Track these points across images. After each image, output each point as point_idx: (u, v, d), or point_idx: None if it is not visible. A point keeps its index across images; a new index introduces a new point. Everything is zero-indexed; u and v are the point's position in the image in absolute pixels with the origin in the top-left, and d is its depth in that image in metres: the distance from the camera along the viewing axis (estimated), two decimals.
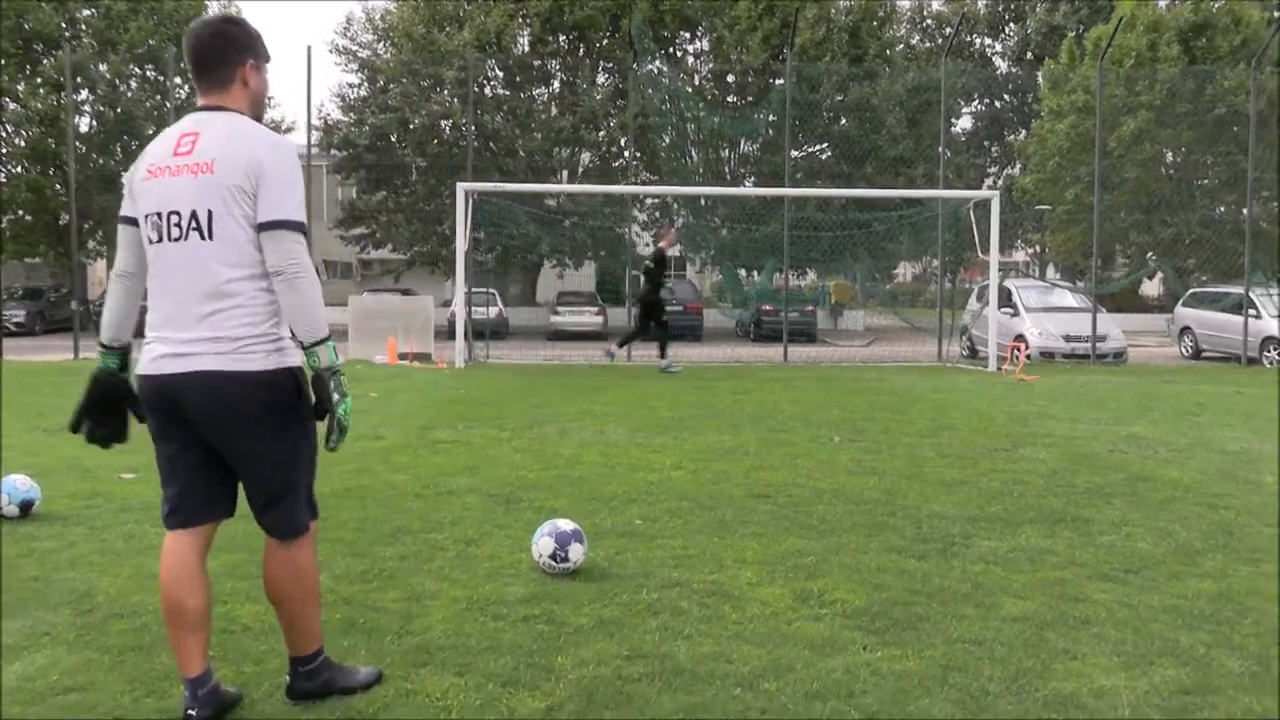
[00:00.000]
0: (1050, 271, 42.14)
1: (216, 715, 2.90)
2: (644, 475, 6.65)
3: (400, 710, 3.02)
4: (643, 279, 15.92)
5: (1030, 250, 45.57)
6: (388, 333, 17.60)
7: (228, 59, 2.91)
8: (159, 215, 2.84)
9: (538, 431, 8.63)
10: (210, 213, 2.78)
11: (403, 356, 17.15)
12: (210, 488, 2.93)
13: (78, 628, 3.71)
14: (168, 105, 24.79)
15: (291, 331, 2.87)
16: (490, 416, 9.60)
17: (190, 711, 2.84)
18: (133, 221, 2.94)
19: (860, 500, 5.89)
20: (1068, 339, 18.82)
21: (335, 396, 2.85)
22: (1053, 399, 11.63)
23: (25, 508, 5.34)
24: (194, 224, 2.79)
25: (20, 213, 30.34)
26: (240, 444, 2.85)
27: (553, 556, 4.30)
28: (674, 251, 15.46)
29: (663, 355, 15.69)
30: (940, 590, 4.16)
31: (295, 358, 2.90)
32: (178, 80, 32.97)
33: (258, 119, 2.97)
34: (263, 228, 2.79)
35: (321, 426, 2.91)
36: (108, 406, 3.05)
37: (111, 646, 3.52)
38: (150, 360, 2.85)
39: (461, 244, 16.52)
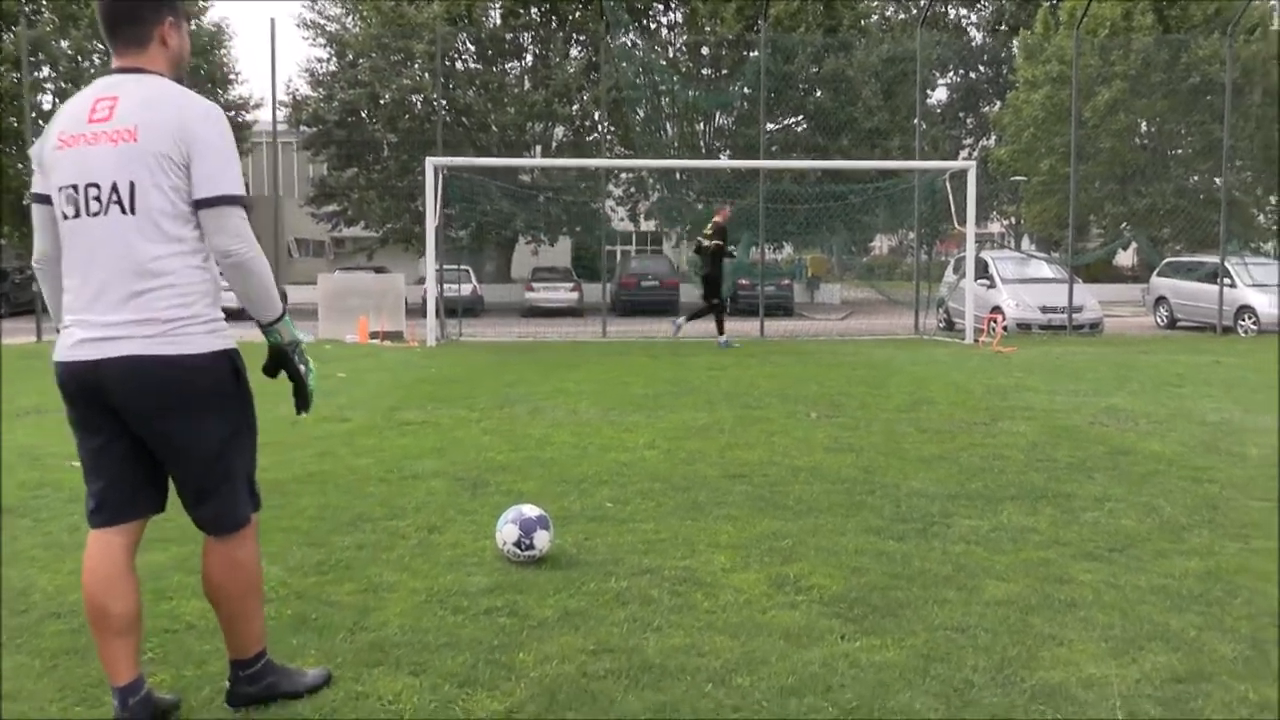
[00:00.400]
0: (1026, 243, 42.13)
1: None
2: (616, 455, 6.46)
3: (348, 714, 2.83)
4: (701, 257, 15.52)
5: (1006, 222, 45.53)
6: (359, 311, 17.32)
7: (143, 16, 2.67)
8: (74, 188, 2.60)
9: (508, 411, 8.43)
10: (133, 184, 2.55)
11: (374, 335, 16.88)
12: (138, 481, 2.71)
13: (10, 630, 3.49)
14: None
15: (222, 312, 2.68)
16: (460, 396, 9.38)
17: None
18: (46, 200, 2.69)
19: (838, 479, 5.73)
20: (1044, 310, 18.75)
21: (303, 368, 2.78)
22: (1030, 371, 11.52)
23: None
24: (115, 196, 2.56)
25: None
26: (172, 433, 2.64)
27: (517, 544, 4.11)
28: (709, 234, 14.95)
29: (720, 330, 15.58)
30: (920, 573, 4.00)
31: (230, 339, 2.72)
32: None
33: (178, 81, 2.73)
34: (202, 204, 2.58)
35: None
36: None
37: (45, 650, 3.30)
38: (69, 346, 2.62)
39: (431, 220, 16.23)
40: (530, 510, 4.19)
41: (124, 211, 2.56)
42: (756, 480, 5.70)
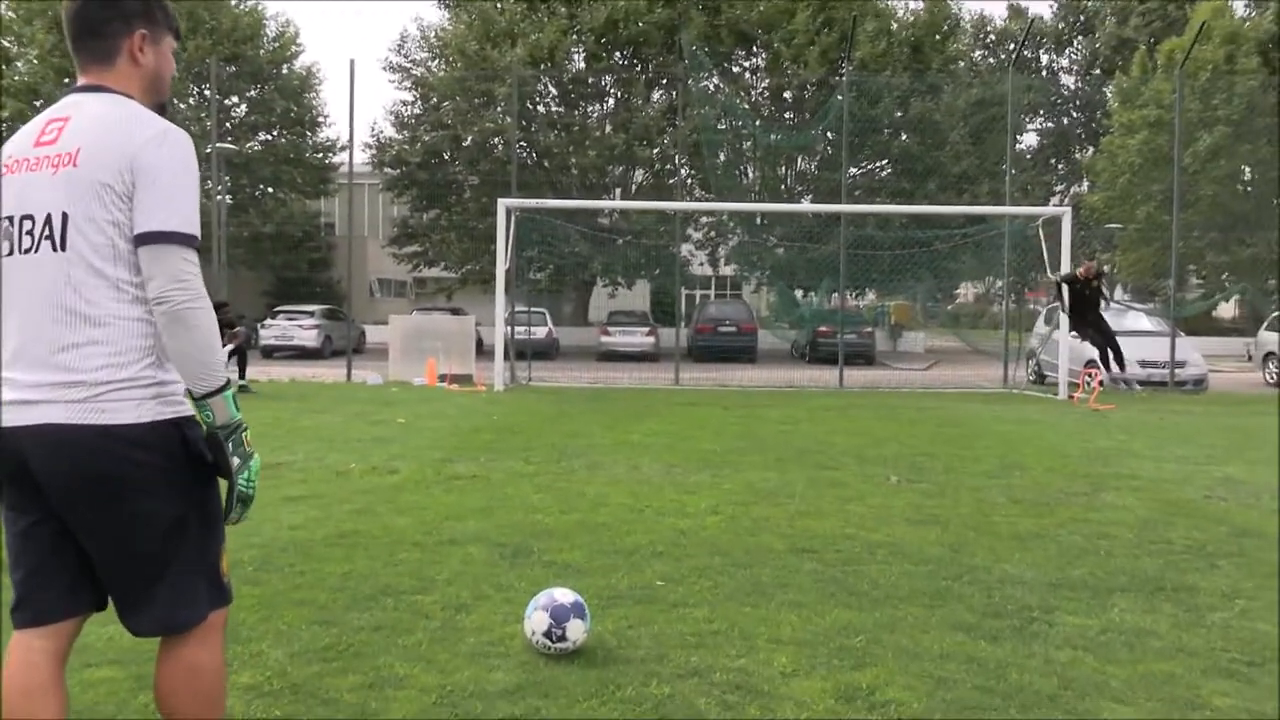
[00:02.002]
0: (1119, 293, 40.62)
1: None
2: (674, 521, 5.92)
3: None
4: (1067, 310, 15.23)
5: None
6: (431, 353, 17.11)
7: (108, 27, 2.27)
8: (10, 220, 2.22)
9: (565, 465, 7.95)
10: (65, 216, 2.14)
11: (442, 378, 16.62)
12: (70, 573, 2.26)
13: None
14: (210, 124, 24.58)
15: (173, 374, 2.22)
16: (518, 448, 8.93)
17: None
18: None
19: (920, 559, 5.10)
20: (1144, 365, 17.68)
21: (235, 461, 2.20)
22: (1133, 433, 10.67)
23: None
24: (47, 231, 2.16)
25: None
26: (96, 521, 2.18)
27: (547, 635, 3.59)
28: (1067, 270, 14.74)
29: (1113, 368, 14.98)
30: (1019, 689, 3.37)
31: (180, 406, 2.24)
32: (234, 99, 33.20)
33: (158, 108, 2.31)
34: (142, 240, 2.13)
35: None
36: None
37: None
38: None
39: (502, 263, 15.99)
40: (564, 596, 3.67)
41: (55, 248, 2.15)
42: (828, 557, 5.11)
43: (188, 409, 2.26)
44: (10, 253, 2.22)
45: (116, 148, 2.15)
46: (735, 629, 3.97)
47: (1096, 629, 4.01)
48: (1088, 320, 15.20)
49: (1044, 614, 4.19)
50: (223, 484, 2.30)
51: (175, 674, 2.32)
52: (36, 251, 2.17)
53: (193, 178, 2.22)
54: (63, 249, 2.15)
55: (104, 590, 2.33)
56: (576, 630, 3.60)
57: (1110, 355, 15.17)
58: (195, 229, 2.18)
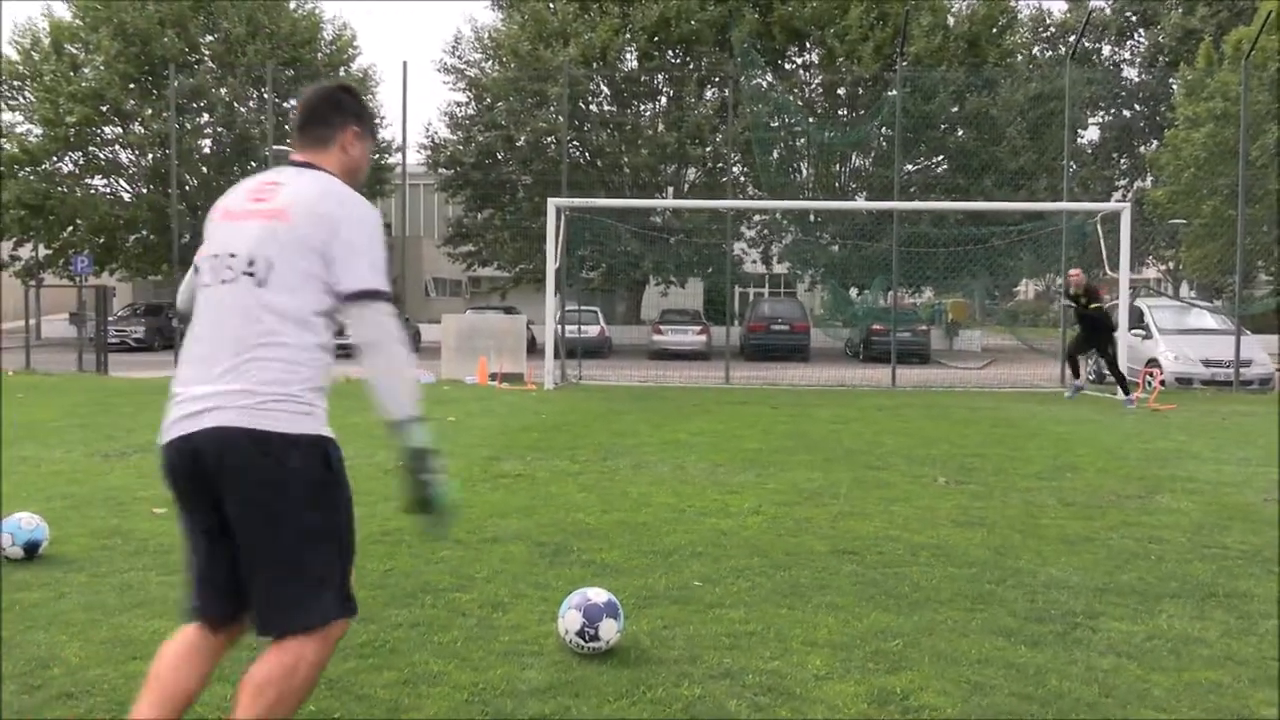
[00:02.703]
0: (1184, 289, 39.66)
1: None
2: (716, 522, 5.90)
3: None
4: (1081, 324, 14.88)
5: (1163, 267, 43.02)
6: (483, 352, 17.24)
7: (330, 120, 2.70)
8: (216, 257, 2.57)
9: (610, 464, 7.96)
10: (270, 260, 2.47)
11: (493, 377, 16.74)
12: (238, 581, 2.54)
13: (17, 710, 3.18)
14: (269, 126, 24.96)
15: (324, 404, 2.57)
16: (564, 446, 8.97)
17: None
18: (197, 269, 2.68)
19: (964, 561, 5.03)
20: (1207, 364, 17.26)
21: (425, 478, 2.54)
22: (1193, 434, 10.42)
23: (31, 549, 4.91)
24: (249, 268, 2.49)
25: (145, 232, 31.37)
26: (246, 517, 2.43)
27: (580, 634, 3.60)
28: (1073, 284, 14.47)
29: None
30: (1058, 695, 3.31)
31: (326, 428, 2.51)
32: (292, 102, 33.75)
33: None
34: (350, 298, 2.48)
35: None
36: None
37: None
38: (169, 425, 2.47)
39: (552, 262, 16.07)
40: (597, 595, 3.68)
41: (256, 284, 2.48)
42: (869, 559, 5.06)
43: (331, 432, 2.52)
44: (211, 283, 2.52)
45: (325, 215, 2.48)
46: (771, 630, 3.95)
47: (1142, 635, 3.92)
48: (1090, 341, 14.75)
49: (1088, 619, 4.11)
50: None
51: (279, 663, 2.42)
52: (236, 283, 2.47)
53: (382, 242, 2.57)
54: (261, 285, 2.45)
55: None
56: (609, 630, 3.61)
57: (1073, 366, 15.15)
58: (389, 286, 2.56)
